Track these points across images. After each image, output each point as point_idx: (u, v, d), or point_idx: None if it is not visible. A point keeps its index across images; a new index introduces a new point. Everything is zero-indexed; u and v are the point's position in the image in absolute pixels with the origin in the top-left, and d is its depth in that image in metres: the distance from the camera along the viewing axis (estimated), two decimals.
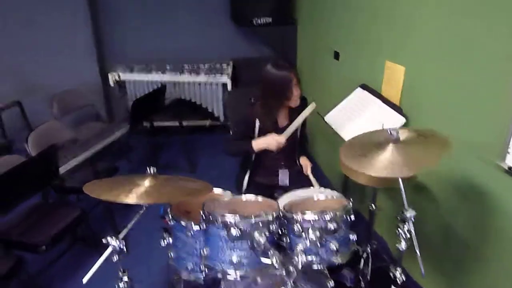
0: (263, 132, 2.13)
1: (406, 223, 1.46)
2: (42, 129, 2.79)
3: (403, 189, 1.43)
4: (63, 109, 3.54)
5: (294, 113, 2.14)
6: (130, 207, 1.41)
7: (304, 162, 2.27)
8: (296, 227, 1.54)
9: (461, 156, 1.74)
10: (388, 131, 1.51)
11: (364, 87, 2.42)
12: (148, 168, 1.54)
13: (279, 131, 2.11)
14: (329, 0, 3.25)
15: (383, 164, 1.41)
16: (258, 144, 2.09)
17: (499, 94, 1.54)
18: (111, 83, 4.08)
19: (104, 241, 1.40)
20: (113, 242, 1.40)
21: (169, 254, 1.71)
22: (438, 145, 1.50)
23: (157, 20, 4.40)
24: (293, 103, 2.09)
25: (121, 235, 1.43)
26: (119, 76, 4.05)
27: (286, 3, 4.06)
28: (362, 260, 2.15)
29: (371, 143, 1.57)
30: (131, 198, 1.38)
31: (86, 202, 2.79)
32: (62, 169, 2.38)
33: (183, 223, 1.63)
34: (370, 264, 2.14)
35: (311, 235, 1.50)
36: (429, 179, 2.06)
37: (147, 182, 1.50)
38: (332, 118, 2.41)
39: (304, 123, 2.25)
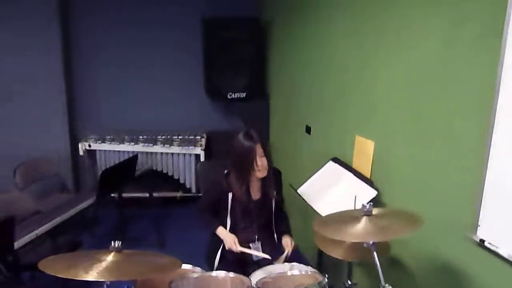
0: (236, 203, 2.11)
1: None
2: (1, 199, 2.64)
3: (377, 261, 1.41)
4: (27, 179, 3.40)
5: (266, 186, 2.14)
6: (91, 286, 1.29)
7: (286, 240, 2.21)
8: None
9: (434, 230, 1.74)
10: (362, 204, 1.54)
11: (336, 160, 2.47)
12: (112, 242, 1.45)
13: (252, 203, 2.11)
14: (298, 75, 3.43)
15: (356, 232, 1.45)
16: (221, 233, 2.13)
17: (468, 168, 1.59)
18: (81, 152, 4.00)
19: None
20: None
21: None
22: (410, 220, 1.53)
23: (132, 90, 4.47)
24: (259, 174, 2.09)
25: None
26: (89, 146, 3.99)
27: (259, 78, 4.25)
28: None
29: (345, 216, 1.58)
30: (92, 275, 1.27)
31: (43, 280, 2.56)
32: (19, 244, 2.21)
33: None
34: None
35: None
36: (404, 254, 2.04)
37: (110, 258, 1.40)
38: (305, 191, 2.41)
39: (281, 195, 2.26)
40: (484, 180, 1.49)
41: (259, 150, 2.05)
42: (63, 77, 4.17)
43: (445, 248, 1.74)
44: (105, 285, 1.39)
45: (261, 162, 2.06)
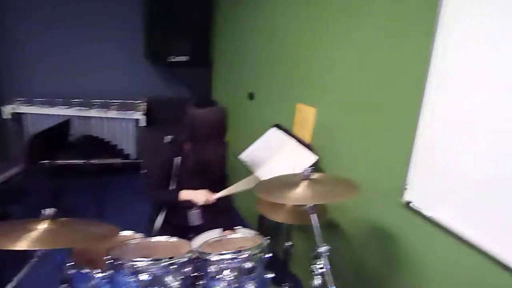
0: (184, 167, 2.06)
1: (320, 258, 1.49)
2: None
3: (315, 223, 1.47)
4: None
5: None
6: (24, 259, 1.22)
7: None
8: (212, 269, 1.47)
9: (368, 194, 1.85)
10: (303, 169, 1.58)
11: (278, 126, 2.51)
12: (43, 210, 1.37)
13: (200, 166, 2.06)
14: (242, 42, 3.38)
15: (296, 196, 1.50)
16: (186, 195, 2.03)
17: (400, 136, 1.69)
18: (5, 116, 3.67)
19: None
20: None
21: None
22: (347, 186, 1.61)
23: (65, 52, 4.14)
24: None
25: None
26: (13, 109, 3.66)
27: (203, 44, 4.14)
28: None
29: (286, 181, 1.62)
30: (21, 245, 1.20)
31: None
32: None
33: (84, 271, 1.46)
34: None
35: (228, 276, 1.44)
36: (341, 217, 2.15)
37: (42, 226, 1.32)
38: (247, 157, 2.44)
39: (224, 161, 2.23)
40: (413, 146, 1.60)
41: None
42: None
43: (378, 211, 1.87)
44: (35, 256, 1.32)
45: None
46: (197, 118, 1.93)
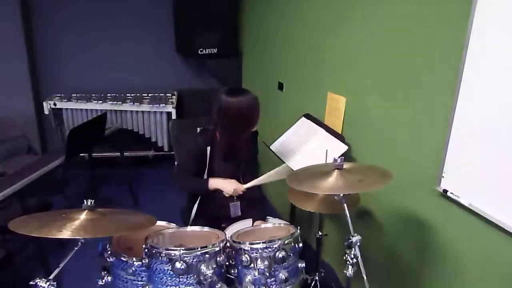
0: (215, 158, 2.08)
1: (353, 248, 1.48)
2: None
3: (347, 213, 1.47)
4: None
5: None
6: (66, 246, 1.28)
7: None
8: (244, 258, 1.50)
9: (402, 183, 1.82)
10: (333, 158, 1.57)
11: (308, 116, 2.49)
12: (85, 201, 1.43)
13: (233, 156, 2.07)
14: (272, 32, 3.36)
15: (328, 185, 1.49)
16: (215, 184, 2.02)
17: (434, 123, 1.64)
18: (46, 111, 3.84)
19: (32, 283, 1.26)
20: (42, 284, 1.25)
21: None
22: (380, 174, 1.58)
23: (99, 49, 4.27)
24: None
25: (52, 276, 1.30)
26: (55, 104, 3.83)
27: (231, 35, 4.14)
28: None
29: (317, 170, 1.61)
30: (65, 233, 1.26)
31: (15, 243, 2.52)
32: None
33: (123, 259, 1.52)
34: None
35: (260, 265, 1.46)
36: (373, 206, 2.13)
37: (83, 216, 1.39)
38: (278, 147, 2.44)
39: (255, 152, 2.24)
40: (450, 133, 1.55)
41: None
42: (23, 38, 3.90)
43: (411, 200, 1.83)
44: (79, 243, 1.38)
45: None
46: (228, 107, 1.89)
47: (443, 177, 1.60)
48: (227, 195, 2.04)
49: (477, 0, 1.37)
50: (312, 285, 2.15)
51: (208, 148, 2.06)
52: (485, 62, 1.38)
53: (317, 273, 2.19)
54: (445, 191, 1.60)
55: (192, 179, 2.09)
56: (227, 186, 2.01)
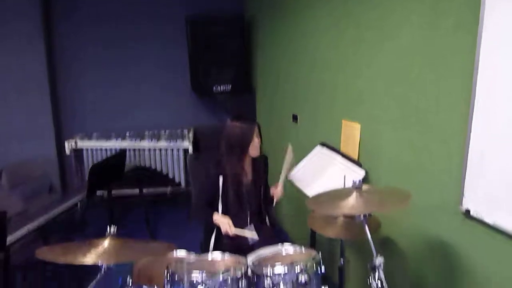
0: (227, 187, 2.13)
1: (376, 271, 1.45)
2: None
3: (368, 234, 1.45)
4: (14, 181, 3.36)
5: (257, 168, 2.21)
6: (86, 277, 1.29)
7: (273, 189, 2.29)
8: (267, 282, 1.48)
9: (422, 206, 1.79)
10: (353, 181, 1.58)
11: (323, 144, 2.51)
12: (108, 228, 1.46)
13: (244, 186, 2.17)
14: (284, 68, 3.47)
15: (348, 205, 1.50)
16: (217, 220, 2.13)
17: (450, 143, 1.64)
18: (67, 151, 3.96)
19: None
20: None
21: None
22: (399, 195, 1.58)
23: (117, 89, 4.46)
24: (253, 153, 2.18)
25: None
26: (76, 144, 3.95)
27: (244, 73, 4.29)
28: None
29: (337, 193, 1.62)
30: (90, 258, 1.28)
31: (35, 280, 2.53)
32: (10, 240, 2.19)
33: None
34: None
35: None
36: (394, 231, 2.09)
37: (106, 243, 1.41)
38: (295, 176, 2.45)
39: (266, 183, 2.30)
40: (467, 153, 1.54)
41: (255, 129, 2.17)
42: (47, 79, 4.13)
43: (433, 222, 1.80)
44: (99, 274, 1.40)
45: (257, 139, 2.18)
46: (226, 128, 2.14)
47: (464, 197, 1.58)
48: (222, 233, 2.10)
49: (482, 27, 1.41)
50: None
51: (221, 178, 2.13)
52: (495, 82, 1.40)
53: None
54: (467, 211, 1.57)
55: (201, 210, 2.20)
56: (223, 224, 2.07)
